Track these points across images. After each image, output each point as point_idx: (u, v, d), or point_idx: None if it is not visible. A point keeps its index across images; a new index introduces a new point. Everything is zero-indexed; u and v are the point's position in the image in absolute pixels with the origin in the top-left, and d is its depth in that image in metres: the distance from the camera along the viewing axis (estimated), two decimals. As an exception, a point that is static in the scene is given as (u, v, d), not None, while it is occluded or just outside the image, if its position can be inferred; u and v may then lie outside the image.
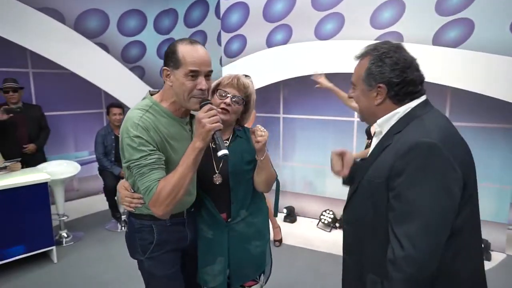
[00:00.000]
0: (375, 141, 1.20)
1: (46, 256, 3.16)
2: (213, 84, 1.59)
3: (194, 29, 5.19)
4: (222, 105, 1.55)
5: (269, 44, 4.12)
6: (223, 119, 1.56)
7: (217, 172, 1.59)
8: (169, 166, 1.36)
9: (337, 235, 3.71)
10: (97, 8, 4.65)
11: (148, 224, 1.50)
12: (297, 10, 3.91)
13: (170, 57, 1.33)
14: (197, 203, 1.64)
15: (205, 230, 1.65)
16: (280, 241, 3.53)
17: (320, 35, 3.82)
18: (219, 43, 4.64)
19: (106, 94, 4.79)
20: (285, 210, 4.13)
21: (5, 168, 3.11)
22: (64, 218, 3.52)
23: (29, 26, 4.03)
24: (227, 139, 1.64)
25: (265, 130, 1.54)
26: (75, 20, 4.44)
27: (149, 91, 1.47)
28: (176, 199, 1.28)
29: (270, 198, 3.47)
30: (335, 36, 3.75)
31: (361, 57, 1.16)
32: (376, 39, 3.59)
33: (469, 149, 1.10)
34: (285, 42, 4.01)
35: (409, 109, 1.10)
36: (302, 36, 3.91)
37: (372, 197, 1.10)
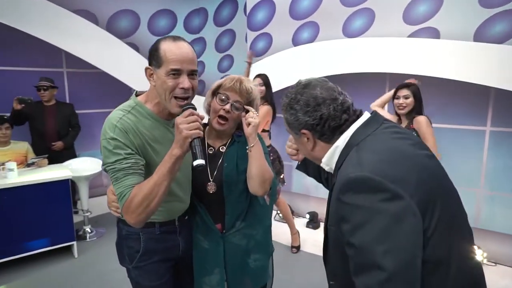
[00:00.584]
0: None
1: (68, 250, 3.27)
2: (214, 85, 1.52)
3: (223, 28, 5.15)
4: (221, 112, 1.45)
5: (295, 42, 3.97)
6: (220, 129, 1.48)
7: (211, 180, 1.50)
8: (152, 170, 1.27)
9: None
10: (129, 9, 4.76)
11: (135, 232, 1.44)
12: (325, 6, 3.73)
13: (152, 55, 1.26)
14: (191, 211, 1.57)
15: (201, 240, 1.57)
16: (298, 247, 3.39)
17: (349, 33, 3.61)
18: (246, 42, 4.57)
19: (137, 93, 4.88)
20: (307, 216, 3.97)
21: (33, 164, 3.25)
22: (88, 214, 3.63)
23: (64, 28, 4.21)
24: (224, 145, 1.54)
25: (257, 114, 1.44)
26: (107, 21, 4.57)
27: (136, 91, 1.41)
28: (149, 208, 1.19)
29: (282, 198, 3.37)
30: (364, 33, 3.52)
31: (282, 109, 1.11)
32: (409, 36, 3.31)
33: (433, 165, 0.94)
34: (311, 40, 3.84)
35: (348, 138, 0.99)
36: (329, 33, 3.72)
37: (337, 247, 0.96)
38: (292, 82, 3.81)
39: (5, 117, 3.42)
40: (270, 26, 4.13)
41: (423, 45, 3.26)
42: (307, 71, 3.88)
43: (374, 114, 1.03)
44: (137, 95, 1.39)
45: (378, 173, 0.83)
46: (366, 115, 1.02)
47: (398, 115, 2.76)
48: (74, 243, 3.21)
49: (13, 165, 2.97)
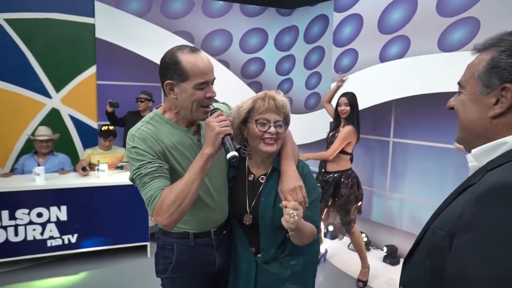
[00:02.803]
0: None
1: (142, 250, 3.54)
2: (243, 109, 1.37)
3: (313, 45, 5.08)
4: (267, 135, 1.33)
5: (383, 58, 3.65)
6: (271, 151, 1.36)
7: (248, 211, 1.42)
8: (173, 176, 1.29)
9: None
10: (223, 29, 5.07)
11: (170, 242, 1.45)
12: (418, 18, 3.35)
13: (172, 69, 1.26)
14: (230, 229, 1.53)
15: (238, 260, 1.50)
16: (365, 282, 3.05)
17: (445, 47, 3.16)
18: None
19: (225, 108, 5.15)
20: (385, 249, 3.54)
21: (122, 167, 3.65)
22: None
23: (164, 47, 4.67)
24: (265, 174, 1.43)
25: (296, 210, 1.20)
26: (202, 40, 4.95)
27: (156, 106, 1.46)
28: (181, 208, 1.20)
29: (357, 228, 3.07)
30: (464, 46, 3.04)
31: (483, 49, 0.79)
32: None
33: None
34: (401, 55, 3.49)
35: None
36: (422, 48, 3.32)
37: (430, 256, 0.76)
38: (376, 101, 3.57)
39: (111, 131, 3.91)
40: (357, 41, 3.90)
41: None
42: (393, 89, 3.53)
43: None
44: (157, 109, 1.43)
45: None
46: None
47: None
48: (148, 243, 3.47)
49: (105, 167, 3.39)
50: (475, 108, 0.77)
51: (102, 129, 3.91)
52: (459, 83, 0.82)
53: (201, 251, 1.45)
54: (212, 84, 1.31)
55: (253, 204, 1.42)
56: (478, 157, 0.76)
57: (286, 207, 1.22)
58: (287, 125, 1.41)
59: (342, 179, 3.09)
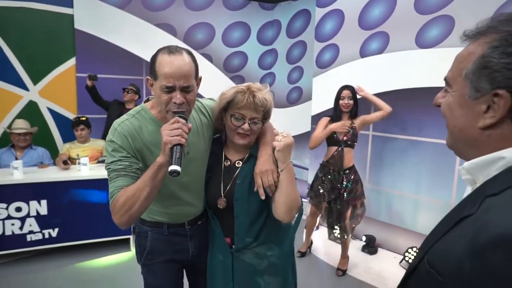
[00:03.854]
0: (468, 191, 0.70)
1: (125, 243, 3.53)
2: (224, 98, 1.38)
3: (295, 40, 5.14)
4: (240, 130, 1.36)
5: (363, 53, 3.74)
6: (243, 143, 1.39)
7: (222, 195, 1.43)
8: None
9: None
10: (205, 22, 5.05)
11: (145, 230, 1.49)
12: (397, 15, 3.45)
13: (151, 66, 1.27)
14: (206, 219, 1.56)
15: (215, 251, 1.53)
16: (344, 271, 3.16)
17: (423, 43, 3.27)
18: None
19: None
20: (364, 238, 3.66)
21: (103, 161, 3.61)
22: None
23: (146, 40, 4.65)
24: (241, 159, 1.46)
25: (286, 134, 1.34)
26: (185, 33, 4.92)
27: (148, 97, 1.46)
28: (130, 212, 1.20)
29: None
30: (441, 43, 3.15)
31: (474, 36, 0.64)
32: (496, 46, 2.86)
33: None
34: (381, 51, 3.58)
35: None
36: (400, 44, 3.42)
37: None
38: (358, 95, 3.57)
39: (82, 119, 3.85)
40: (338, 36, 3.97)
41: None
42: (373, 84, 3.62)
43: None
44: (148, 101, 1.44)
45: None
46: None
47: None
48: (131, 236, 3.46)
49: (86, 160, 3.35)
50: (463, 114, 0.65)
51: (74, 120, 3.85)
52: (445, 80, 0.69)
53: (175, 240, 1.48)
54: (184, 91, 1.24)
55: (228, 188, 1.43)
56: (472, 171, 0.65)
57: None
58: (265, 121, 1.42)
59: (352, 175, 3.11)
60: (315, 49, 4.24)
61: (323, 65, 4.14)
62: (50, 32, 4.26)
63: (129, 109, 3.97)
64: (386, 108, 3.06)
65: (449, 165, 3.14)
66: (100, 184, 3.29)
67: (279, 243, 1.49)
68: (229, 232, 1.46)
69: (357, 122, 3.07)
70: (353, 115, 3.08)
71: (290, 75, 5.25)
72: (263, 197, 1.34)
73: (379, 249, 3.66)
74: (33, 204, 3.13)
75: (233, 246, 1.45)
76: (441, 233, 0.64)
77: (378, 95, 3.61)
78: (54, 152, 4.09)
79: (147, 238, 1.47)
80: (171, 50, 1.23)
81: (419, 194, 3.37)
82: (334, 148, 3.07)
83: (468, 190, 0.69)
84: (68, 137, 4.21)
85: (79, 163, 3.38)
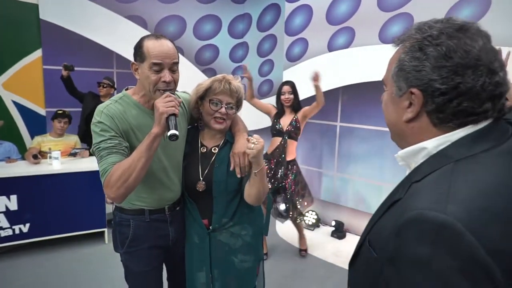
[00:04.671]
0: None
1: (100, 236, 3.54)
2: (201, 87, 1.52)
3: (265, 33, 5.23)
4: (217, 115, 1.50)
5: (330, 48, 3.91)
6: (220, 128, 1.52)
7: (201, 178, 1.55)
8: None
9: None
10: (176, 14, 5.04)
11: (126, 218, 1.54)
12: (362, 11, 3.63)
13: (137, 51, 1.37)
14: (184, 205, 1.64)
15: (191, 234, 1.63)
16: (306, 250, 3.42)
17: (385, 39, 3.47)
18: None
19: (179, 94, 5.16)
20: (333, 223, 3.87)
21: (75, 154, 3.58)
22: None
23: (116, 32, 4.59)
24: (217, 146, 1.58)
25: (258, 139, 1.42)
26: (155, 26, 4.89)
27: (127, 87, 1.53)
28: (128, 183, 1.28)
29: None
30: (401, 39, 3.36)
31: (398, 42, 0.73)
32: (450, 42, 3.10)
33: None
34: (347, 46, 3.76)
35: (446, 143, 0.66)
36: (365, 39, 3.61)
37: (369, 269, 0.75)
38: (325, 88, 3.75)
39: (67, 114, 3.80)
40: (307, 31, 4.12)
41: (465, 52, 3.03)
42: (340, 77, 3.80)
43: (494, 125, 0.66)
44: (127, 90, 1.50)
45: (473, 229, 0.53)
46: (486, 122, 0.66)
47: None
48: (105, 229, 3.47)
49: (57, 154, 3.31)
50: (394, 110, 0.74)
51: (58, 111, 3.79)
52: (383, 81, 0.79)
53: (156, 226, 1.56)
54: (171, 70, 1.36)
55: (206, 172, 1.54)
56: (405, 159, 0.75)
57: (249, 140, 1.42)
58: (238, 108, 1.57)
59: (295, 167, 3.26)
60: (285, 43, 4.37)
61: (293, 59, 4.28)
62: (14, 22, 4.11)
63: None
64: (319, 101, 3.13)
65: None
66: (72, 178, 3.28)
67: (251, 223, 1.62)
68: (207, 214, 1.57)
69: (300, 115, 3.21)
70: (296, 108, 3.22)
71: (261, 68, 5.35)
72: (239, 175, 1.48)
73: (348, 234, 3.88)
74: (2, 199, 3.07)
75: (210, 227, 1.57)
76: (379, 215, 0.74)
77: (345, 87, 3.81)
78: (21, 147, 3.99)
79: (130, 226, 1.53)
80: (157, 36, 1.37)
81: (383, 181, 3.60)
82: (279, 139, 3.18)
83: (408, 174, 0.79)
84: (35, 131, 4.12)
85: (50, 157, 3.33)
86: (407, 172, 0.76)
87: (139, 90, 1.45)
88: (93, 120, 1.37)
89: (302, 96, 3.38)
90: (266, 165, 3.28)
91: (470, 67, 0.62)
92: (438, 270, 0.53)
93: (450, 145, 0.66)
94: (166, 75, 1.34)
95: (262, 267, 1.73)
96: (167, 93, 1.32)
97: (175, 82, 1.39)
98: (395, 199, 0.69)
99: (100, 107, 1.40)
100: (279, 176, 3.18)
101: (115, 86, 4.16)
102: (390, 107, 0.76)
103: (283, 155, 3.17)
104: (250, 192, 1.50)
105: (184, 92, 1.67)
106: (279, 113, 3.24)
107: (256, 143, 1.40)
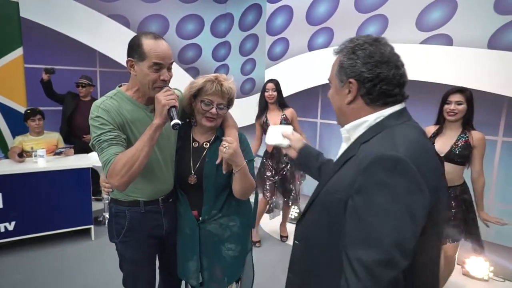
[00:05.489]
0: (343, 147, 1.08)
1: (86, 233, 3.57)
2: (194, 86, 1.58)
3: (247, 33, 5.34)
4: (208, 114, 1.58)
5: (311, 47, 4.06)
6: (210, 125, 1.61)
7: (192, 172, 1.62)
8: (130, 147, 1.45)
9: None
10: (159, 14, 5.09)
11: (122, 210, 1.61)
12: (340, 12, 3.79)
13: (135, 49, 1.44)
14: (176, 197, 1.72)
15: (183, 225, 1.70)
16: (287, 236, 3.65)
17: (362, 38, 3.64)
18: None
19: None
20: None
21: (60, 153, 3.60)
22: (107, 201, 3.92)
23: (99, 31, 4.61)
24: (208, 141, 1.66)
25: (230, 144, 1.47)
26: (138, 25, 4.92)
27: (120, 84, 1.60)
28: (131, 171, 1.37)
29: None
30: (377, 39, 3.54)
31: (337, 51, 1.06)
32: (422, 42, 3.30)
33: (442, 170, 1.02)
34: (326, 45, 3.92)
35: (381, 117, 0.97)
36: (343, 39, 3.73)
37: (328, 214, 0.97)
38: (306, 86, 3.89)
39: (37, 110, 3.79)
40: (288, 31, 4.26)
41: (435, 52, 3.23)
42: (320, 75, 3.96)
43: (405, 108, 1.01)
44: (121, 87, 1.58)
45: (412, 160, 0.83)
46: (401, 104, 0.99)
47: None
48: (92, 226, 3.51)
49: (43, 152, 3.32)
50: (338, 98, 1.04)
51: (27, 111, 3.76)
52: (328, 80, 1.09)
53: (150, 217, 1.64)
54: (168, 69, 1.46)
55: (197, 166, 1.62)
56: (349, 131, 1.02)
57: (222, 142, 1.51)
58: (229, 107, 1.66)
59: (289, 158, 3.41)
60: (267, 42, 4.49)
61: (274, 58, 4.41)
62: (-8, 20, 4.07)
63: (86, 101, 3.99)
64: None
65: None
66: (58, 176, 3.30)
67: (239, 215, 1.71)
68: (197, 206, 1.65)
69: (288, 112, 3.36)
70: (282, 106, 3.38)
71: (243, 67, 5.47)
72: (224, 172, 1.56)
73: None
74: (-13, 198, 3.07)
75: (200, 218, 1.65)
76: (334, 172, 1.01)
77: (324, 85, 3.96)
78: (2, 146, 3.97)
79: (126, 217, 1.61)
80: (155, 35, 1.45)
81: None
82: None
83: (343, 146, 1.08)
84: (17, 130, 4.08)
85: (35, 155, 3.34)
86: (343, 145, 1.09)
87: (132, 85, 1.52)
88: (91, 115, 1.45)
89: (284, 93, 3.51)
90: (266, 162, 3.45)
91: (384, 62, 0.95)
92: (393, 186, 0.82)
93: (384, 118, 0.97)
94: (166, 74, 1.44)
95: (251, 259, 1.80)
96: (167, 87, 1.43)
97: (169, 80, 1.49)
98: (349, 157, 0.97)
99: (96, 102, 1.47)
100: (282, 170, 3.41)
101: (93, 82, 4.17)
102: (336, 97, 1.06)
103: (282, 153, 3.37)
104: (235, 187, 1.58)
105: (176, 89, 1.74)
106: (263, 109, 3.38)
107: (227, 147, 1.47)
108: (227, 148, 1.47)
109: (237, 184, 1.56)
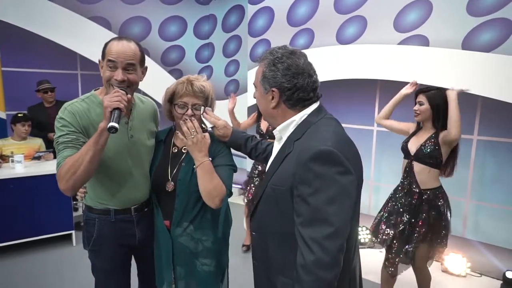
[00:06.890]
0: (276, 146, 1.23)
1: (67, 238, 3.53)
2: (168, 92, 1.55)
3: (230, 34, 5.35)
4: (185, 117, 1.50)
5: (292, 48, 4.08)
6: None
7: (169, 179, 1.57)
8: None
9: (369, 255, 3.45)
10: (141, 16, 5.05)
11: (92, 218, 1.57)
12: (320, 13, 3.83)
13: (102, 50, 1.44)
14: (152, 207, 1.67)
15: (157, 235, 1.65)
16: (248, 246, 3.45)
17: (342, 40, 3.69)
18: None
19: (146, 95, 5.15)
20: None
21: (39, 157, 3.55)
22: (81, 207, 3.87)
23: (80, 33, 4.56)
24: None
25: (196, 135, 1.40)
26: (120, 27, 4.88)
27: (98, 87, 1.58)
28: (76, 176, 1.31)
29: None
30: (356, 40, 3.59)
31: (260, 60, 1.19)
32: (399, 43, 3.36)
33: (357, 150, 1.16)
34: (307, 46, 3.95)
35: (305, 115, 1.14)
36: (323, 40, 3.81)
37: (277, 205, 1.13)
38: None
39: (30, 116, 3.73)
40: (269, 32, 4.28)
41: (412, 52, 3.29)
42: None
43: (321, 104, 1.18)
44: (96, 90, 1.56)
45: (339, 150, 1.01)
46: (317, 103, 1.16)
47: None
48: (73, 232, 3.47)
49: (20, 157, 3.27)
50: (264, 102, 1.17)
51: (19, 114, 3.70)
52: (254, 84, 1.20)
53: (122, 226, 1.59)
54: (125, 70, 1.40)
55: (174, 171, 1.56)
56: (281, 131, 1.17)
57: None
58: (210, 107, 1.57)
59: None
60: (249, 43, 4.50)
61: (256, 59, 4.40)
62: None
63: (53, 106, 3.89)
64: None
65: (367, 147, 3.61)
66: (36, 181, 3.25)
67: (213, 229, 1.64)
68: (169, 215, 1.58)
69: None
70: None
71: (227, 68, 5.47)
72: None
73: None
74: (-37, 205, 3.01)
75: (171, 227, 1.58)
76: (275, 169, 1.15)
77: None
78: (-19, 151, 3.88)
79: (95, 225, 1.57)
80: (121, 37, 1.45)
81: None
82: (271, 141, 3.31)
83: (276, 145, 1.23)
84: (-4, 135, 4.03)
85: (12, 161, 3.29)
86: (275, 144, 1.25)
87: (104, 89, 1.50)
88: (57, 116, 1.43)
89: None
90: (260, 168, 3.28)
91: (300, 73, 1.10)
92: (329, 175, 1.00)
93: (307, 117, 1.13)
94: (118, 74, 1.39)
95: (226, 276, 1.75)
96: (116, 89, 1.36)
97: (130, 82, 1.42)
98: (286, 154, 1.11)
99: (65, 104, 1.45)
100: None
101: (51, 83, 4.06)
102: (262, 101, 1.19)
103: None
104: (200, 190, 1.47)
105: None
106: (260, 115, 3.28)
107: (192, 136, 1.41)
108: (192, 137, 1.41)
109: (199, 181, 1.45)
